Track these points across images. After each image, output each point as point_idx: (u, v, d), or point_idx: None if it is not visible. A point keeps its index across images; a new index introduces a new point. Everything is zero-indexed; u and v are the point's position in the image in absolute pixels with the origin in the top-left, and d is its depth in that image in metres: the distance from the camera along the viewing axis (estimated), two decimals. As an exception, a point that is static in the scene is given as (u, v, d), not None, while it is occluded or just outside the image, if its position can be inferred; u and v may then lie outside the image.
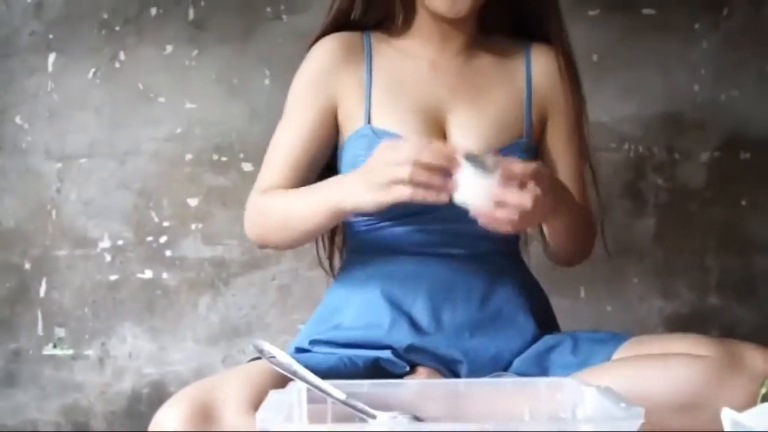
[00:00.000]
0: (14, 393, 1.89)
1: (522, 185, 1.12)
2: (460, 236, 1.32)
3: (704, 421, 1.09)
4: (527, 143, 1.36)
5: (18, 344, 1.89)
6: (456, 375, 1.26)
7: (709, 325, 1.91)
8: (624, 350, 1.22)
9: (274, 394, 0.94)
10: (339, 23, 1.39)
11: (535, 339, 1.30)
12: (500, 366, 1.27)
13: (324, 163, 1.37)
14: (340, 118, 1.36)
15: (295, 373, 1.00)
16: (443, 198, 1.13)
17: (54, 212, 1.90)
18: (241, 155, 1.90)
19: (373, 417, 0.95)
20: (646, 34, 1.92)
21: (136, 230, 1.90)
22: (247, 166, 1.89)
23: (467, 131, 1.32)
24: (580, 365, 1.21)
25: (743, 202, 1.94)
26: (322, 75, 1.36)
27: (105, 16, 1.89)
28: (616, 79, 1.92)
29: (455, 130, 1.33)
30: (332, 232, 1.46)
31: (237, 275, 1.91)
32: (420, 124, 1.32)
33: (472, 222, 1.30)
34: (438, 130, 1.33)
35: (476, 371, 1.25)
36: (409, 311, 1.29)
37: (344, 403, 0.96)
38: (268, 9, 1.90)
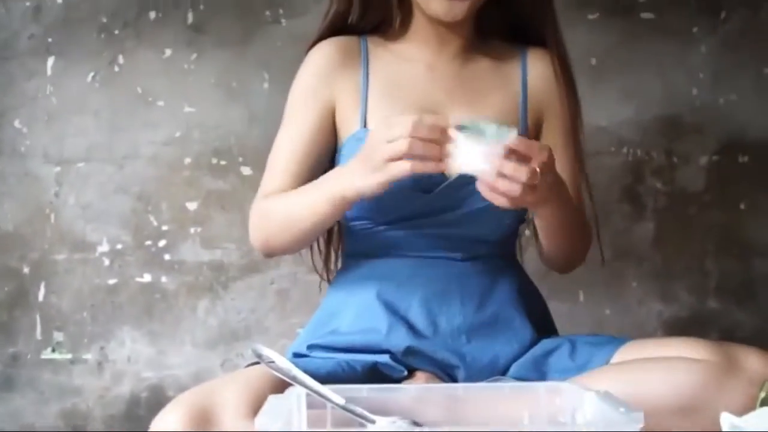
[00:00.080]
0: (13, 397, 1.89)
1: (524, 162, 1.11)
2: (456, 240, 1.32)
3: (703, 425, 1.09)
4: None
5: (16, 348, 1.89)
6: (453, 379, 1.26)
7: (708, 328, 1.91)
8: (622, 354, 1.22)
9: (273, 399, 0.94)
10: (336, 27, 1.39)
11: (532, 343, 1.30)
12: (497, 370, 1.27)
13: (326, 165, 1.37)
14: (338, 121, 1.36)
15: (294, 378, 1.00)
16: (442, 167, 1.12)
17: (52, 216, 1.90)
18: (240, 159, 1.90)
19: (373, 422, 0.95)
20: (644, 37, 1.92)
21: (134, 234, 1.90)
22: (246, 170, 1.89)
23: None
24: (578, 369, 1.21)
25: (742, 206, 1.94)
26: (320, 79, 1.36)
27: (104, 19, 1.89)
28: (614, 82, 1.92)
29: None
30: (328, 236, 1.46)
31: (236, 279, 1.91)
32: None
33: (469, 226, 1.31)
34: None
35: (473, 376, 1.25)
36: (405, 315, 1.29)
37: (343, 408, 0.96)
38: (267, 13, 1.90)
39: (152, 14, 1.90)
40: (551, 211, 1.25)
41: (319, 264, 1.48)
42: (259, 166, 1.38)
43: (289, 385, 1.00)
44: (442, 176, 1.29)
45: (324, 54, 1.37)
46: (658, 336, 1.90)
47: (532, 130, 1.38)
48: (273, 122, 1.41)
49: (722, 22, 1.93)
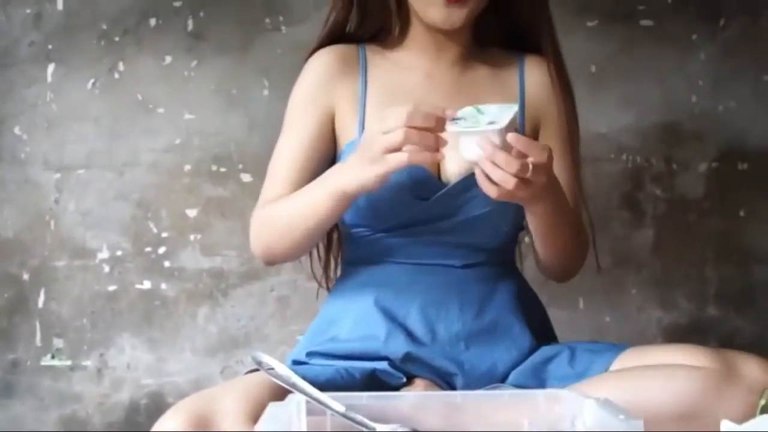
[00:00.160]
0: (12, 404, 1.89)
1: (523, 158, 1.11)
2: (454, 247, 1.32)
3: (703, 432, 1.10)
4: None
5: (16, 355, 1.89)
6: (452, 387, 1.26)
7: (707, 335, 1.91)
8: (621, 361, 1.22)
9: (273, 407, 0.94)
10: (335, 36, 1.40)
11: (531, 350, 1.30)
12: (496, 378, 1.27)
13: None
14: (337, 128, 1.37)
15: (294, 385, 1.00)
16: (439, 158, 1.13)
17: (52, 223, 1.90)
18: (240, 166, 1.90)
19: (373, 429, 0.95)
20: (644, 45, 1.92)
21: (134, 241, 1.90)
22: (246, 177, 1.89)
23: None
24: (577, 377, 1.21)
25: (741, 213, 1.94)
26: (319, 87, 1.37)
27: (104, 26, 1.90)
28: (614, 89, 1.92)
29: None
30: (328, 244, 1.46)
31: (236, 286, 1.91)
32: None
33: (467, 233, 1.31)
34: None
35: (471, 383, 1.25)
36: (403, 322, 1.29)
37: (344, 415, 0.96)
38: (267, 20, 1.90)
39: (152, 21, 1.90)
40: (544, 209, 1.24)
41: (319, 272, 1.48)
42: (259, 173, 1.38)
43: (289, 392, 1.00)
44: (440, 183, 1.30)
45: (323, 62, 1.38)
46: (657, 343, 1.90)
47: (530, 137, 1.38)
48: (273, 129, 1.41)
49: (721, 29, 1.93)
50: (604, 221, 1.90)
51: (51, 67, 1.90)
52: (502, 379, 1.27)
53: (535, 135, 1.39)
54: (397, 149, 1.13)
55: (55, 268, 1.89)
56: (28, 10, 1.89)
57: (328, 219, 1.27)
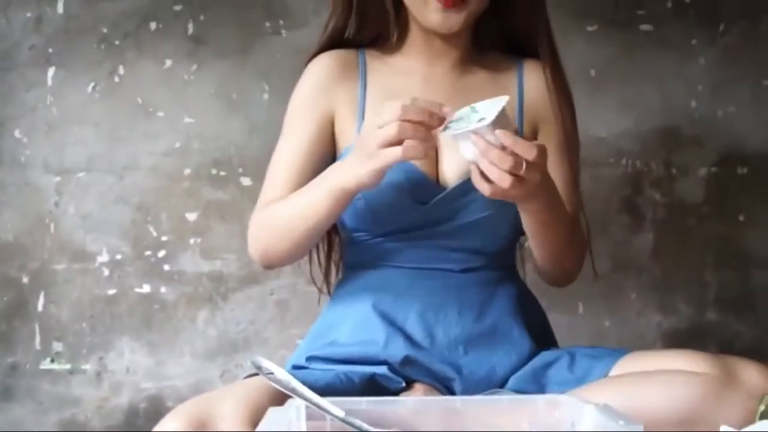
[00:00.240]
0: (11, 407, 1.89)
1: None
2: (453, 251, 1.32)
3: (702, 438, 1.10)
4: None
5: (15, 358, 1.89)
6: (451, 391, 1.26)
7: (707, 340, 1.91)
8: (621, 366, 1.22)
9: (272, 411, 0.94)
10: (334, 41, 1.40)
11: (531, 355, 1.30)
12: (495, 383, 1.26)
13: None
14: (336, 132, 1.37)
15: (293, 390, 1.00)
16: (431, 153, 1.12)
17: (52, 226, 1.90)
18: (240, 170, 1.90)
19: (372, 434, 0.95)
20: (643, 49, 1.92)
21: (134, 244, 1.90)
22: (246, 181, 1.89)
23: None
24: (577, 382, 1.21)
25: (741, 217, 1.94)
26: (319, 90, 1.37)
27: (104, 30, 1.90)
28: (614, 94, 1.92)
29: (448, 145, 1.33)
30: (328, 249, 1.46)
31: (235, 290, 1.91)
32: None
33: (465, 237, 1.31)
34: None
35: (470, 388, 1.25)
36: (402, 326, 1.29)
37: (343, 420, 0.96)
38: (267, 24, 1.91)
39: (153, 25, 1.90)
40: (537, 207, 1.23)
41: (318, 277, 1.48)
42: (259, 176, 1.38)
43: (288, 396, 1.00)
44: (438, 188, 1.30)
45: (323, 66, 1.38)
46: (657, 347, 1.90)
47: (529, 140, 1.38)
48: (273, 133, 1.41)
49: (721, 34, 1.93)
50: (604, 225, 1.90)
51: (51, 71, 1.90)
52: (502, 384, 1.27)
53: (534, 139, 1.39)
54: (393, 143, 1.13)
55: (54, 272, 1.90)
56: (29, 14, 1.89)
57: (327, 218, 1.27)
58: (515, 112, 1.38)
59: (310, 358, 1.29)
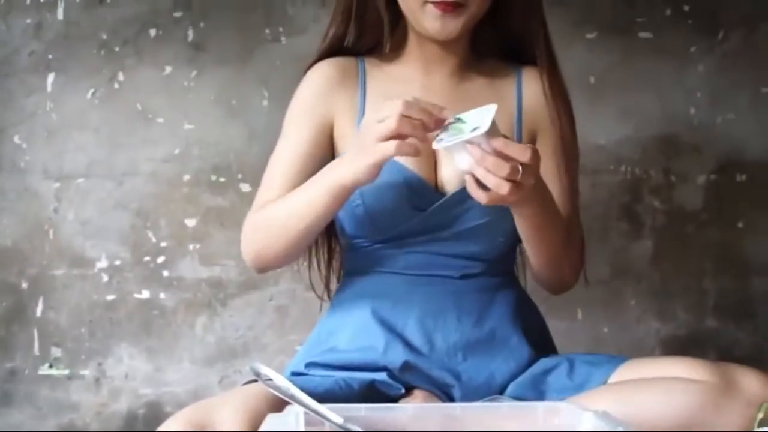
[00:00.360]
0: (10, 413, 1.88)
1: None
2: (451, 258, 1.32)
3: (701, 446, 1.10)
4: None
5: (14, 364, 1.89)
6: (450, 398, 1.26)
7: (706, 347, 1.91)
8: (620, 373, 1.22)
9: (271, 418, 0.94)
10: (334, 49, 1.41)
11: (530, 361, 1.30)
12: (494, 389, 1.27)
13: None
14: (335, 139, 1.37)
15: (292, 397, 1.00)
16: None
17: (51, 232, 1.90)
18: (239, 176, 1.90)
19: (371, 441, 0.95)
20: (642, 57, 1.93)
21: (133, 250, 1.90)
22: (245, 187, 1.89)
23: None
24: (576, 388, 1.21)
25: (740, 224, 1.94)
26: (318, 97, 1.37)
27: (104, 36, 1.90)
28: (613, 101, 1.92)
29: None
30: (329, 256, 1.46)
31: (234, 296, 1.91)
32: None
33: (463, 243, 1.31)
34: (429, 151, 1.33)
35: (469, 395, 1.25)
36: (402, 333, 1.29)
37: (342, 427, 0.96)
38: (267, 31, 1.91)
39: (152, 32, 1.90)
40: (531, 211, 1.24)
41: (317, 283, 1.48)
42: (259, 183, 1.39)
43: (287, 403, 1.00)
44: (437, 194, 1.30)
45: (323, 73, 1.38)
46: (656, 354, 1.90)
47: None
48: (272, 139, 1.41)
49: (720, 41, 1.94)
50: (603, 232, 1.90)
51: (51, 77, 1.90)
52: (501, 391, 1.27)
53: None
54: (390, 137, 1.13)
55: (53, 277, 1.89)
56: (29, 20, 1.90)
57: (324, 215, 1.27)
58: (513, 119, 1.38)
59: (309, 365, 1.29)
